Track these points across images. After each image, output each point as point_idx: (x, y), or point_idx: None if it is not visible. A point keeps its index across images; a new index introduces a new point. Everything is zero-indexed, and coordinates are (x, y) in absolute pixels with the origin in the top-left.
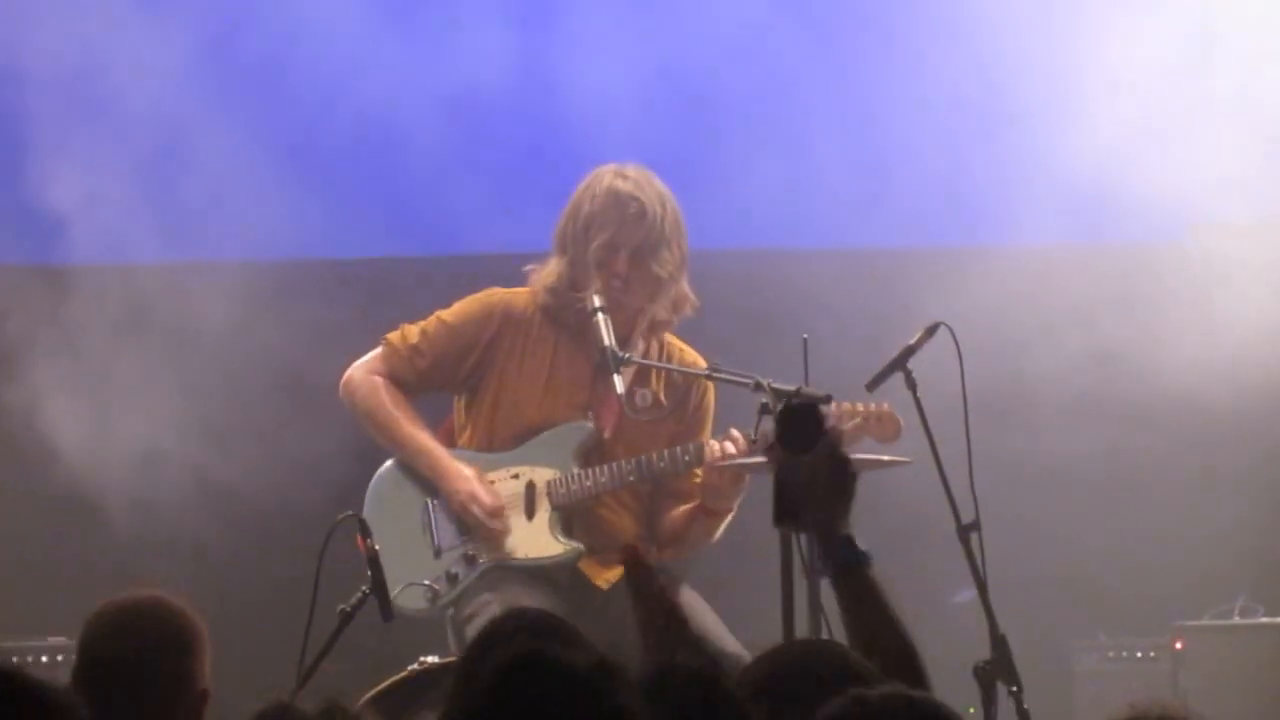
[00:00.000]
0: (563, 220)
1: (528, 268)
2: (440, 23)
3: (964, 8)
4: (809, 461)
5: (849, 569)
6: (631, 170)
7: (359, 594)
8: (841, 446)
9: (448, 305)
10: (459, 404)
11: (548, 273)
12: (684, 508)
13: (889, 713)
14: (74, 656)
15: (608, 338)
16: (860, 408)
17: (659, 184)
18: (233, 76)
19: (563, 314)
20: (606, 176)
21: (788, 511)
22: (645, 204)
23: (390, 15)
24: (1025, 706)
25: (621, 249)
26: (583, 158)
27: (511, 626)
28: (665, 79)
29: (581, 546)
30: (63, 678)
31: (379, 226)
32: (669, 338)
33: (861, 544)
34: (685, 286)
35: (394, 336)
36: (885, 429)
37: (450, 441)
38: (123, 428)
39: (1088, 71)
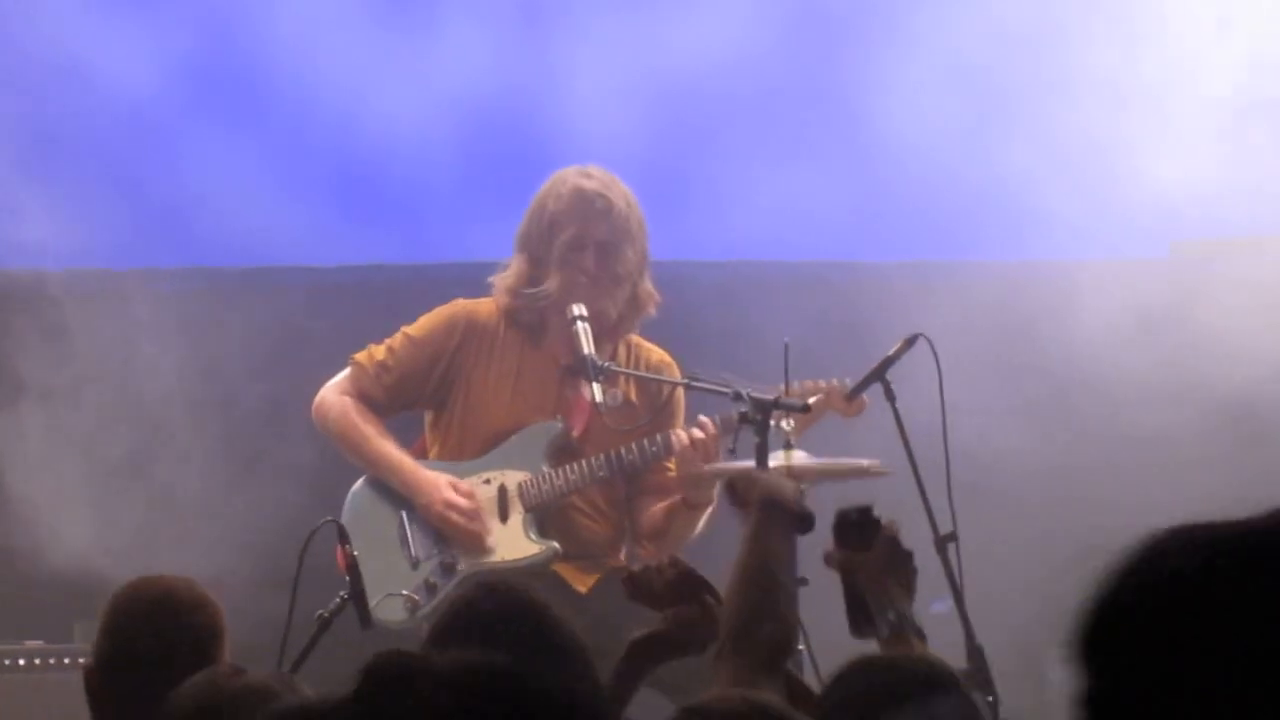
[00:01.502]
0: (525, 220)
1: (490, 279)
2: (429, 28)
3: (959, 21)
4: (869, 558)
5: (894, 634)
6: (595, 170)
7: (338, 599)
8: (899, 539)
9: (425, 314)
10: (428, 420)
11: (508, 274)
12: (663, 503)
13: None
14: (98, 643)
15: (588, 346)
16: (822, 384)
17: (623, 184)
18: (215, 82)
19: (522, 315)
20: (571, 176)
21: (862, 619)
22: (612, 200)
23: (378, 20)
24: (1003, 717)
25: (587, 245)
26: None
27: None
28: (656, 88)
29: (556, 545)
30: (39, 683)
31: (363, 235)
32: (634, 338)
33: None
34: (648, 285)
35: (361, 356)
36: (850, 404)
37: (424, 458)
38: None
39: (1076, 86)
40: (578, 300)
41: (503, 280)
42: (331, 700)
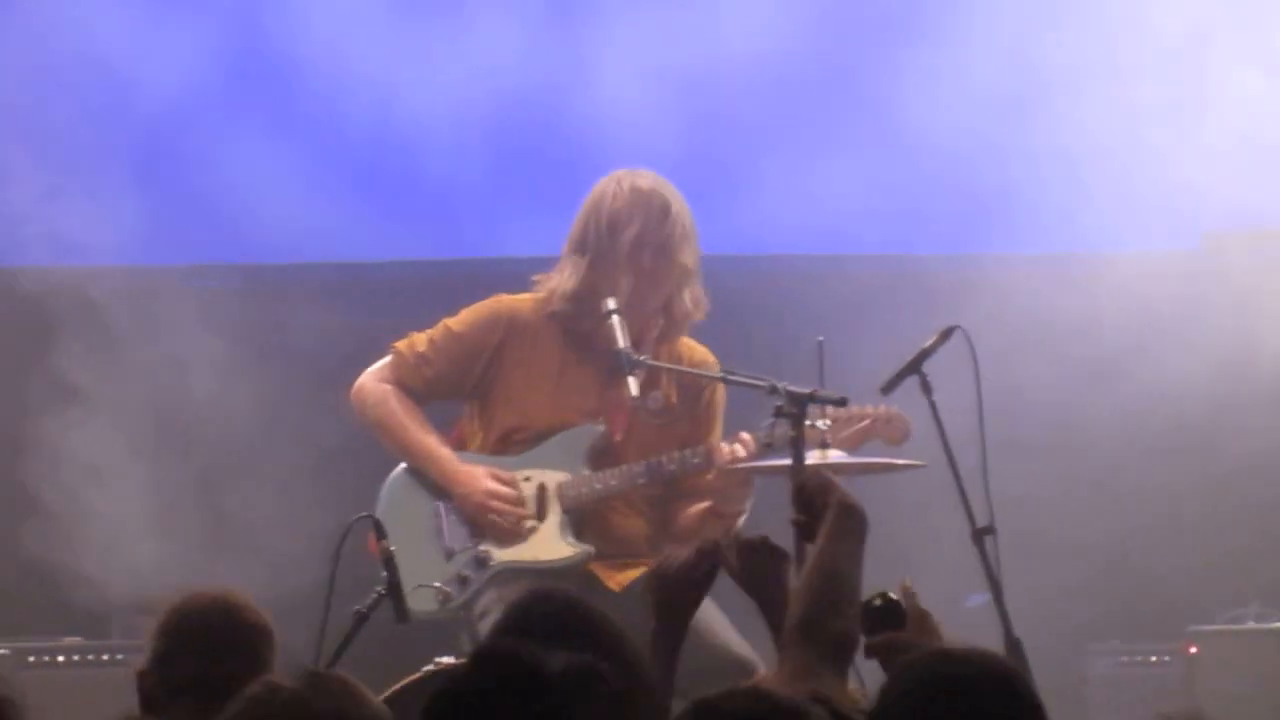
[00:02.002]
0: (582, 222)
1: (535, 278)
2: (460, 23)
3: (992, 13)
4: (905, 635)
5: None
6: (646, 173)
7: (374, 595)
8: (915, 601)
9: (464, 308)
10: (469, 411)
11: (566, 278)
12: (697, 508)
13: None
14: (153, 643)
15: (623, 340)
16: (869, 410)
17: (673, 187)
18: (248, 78)
19: (580, 322)
20: (626, 178)
21: None
22: (669, 200)
23: (410, 16)
24: None
25: (648, 244)
26: (600, 161)
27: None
28: (685, 83)
29: (591, 549)
30: (75, 679)
31: (394, 230)
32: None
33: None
34: (699, 289)
35: (402, 345)
36: (894, 430)
37: (461, 448)
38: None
39: (1104, 76)
40: (644, 302)
41: (561, 284)
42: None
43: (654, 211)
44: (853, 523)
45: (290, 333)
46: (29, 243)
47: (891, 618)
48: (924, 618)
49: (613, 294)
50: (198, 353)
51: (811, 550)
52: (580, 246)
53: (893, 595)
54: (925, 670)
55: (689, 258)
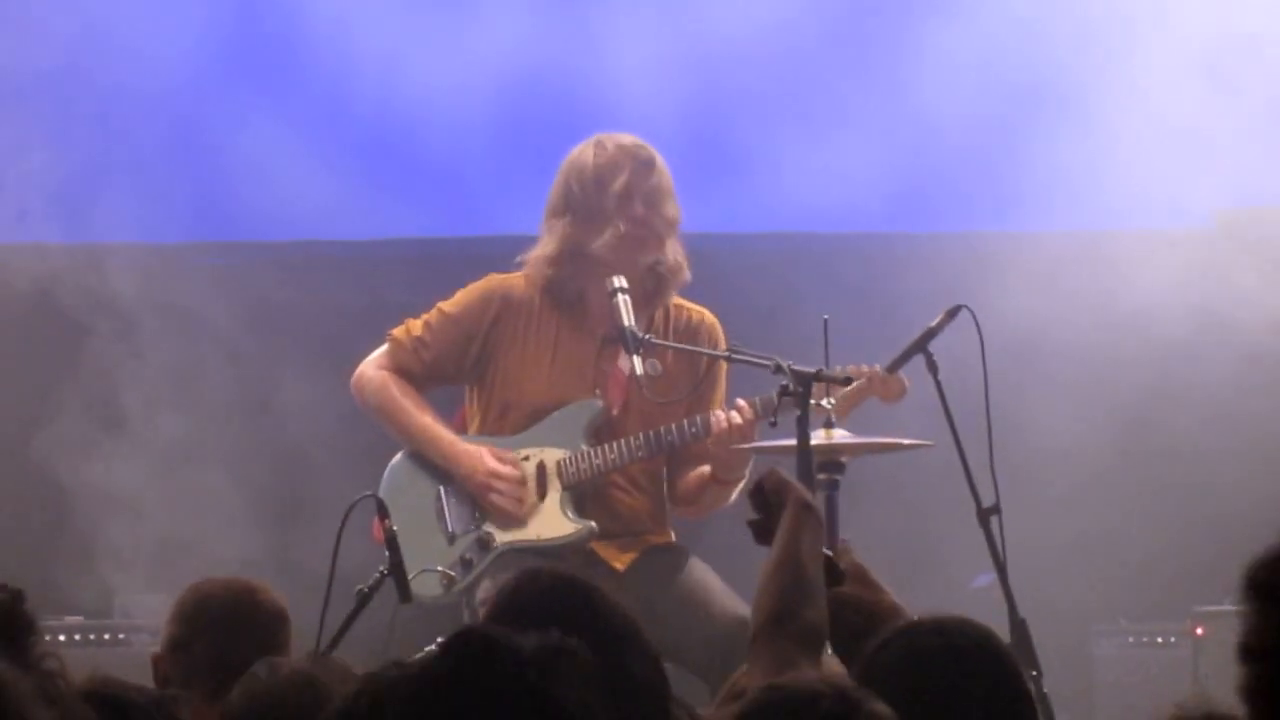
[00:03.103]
0: (562, 184)
1: (519, 259)
2: (463, 2)
3: None
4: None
5: None
6: (622, 134)
7: (377, 574)
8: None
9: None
10: (469, 394)
11: (546, 242)
12: (698, 472)
13: None
14: (168, 628)
15: (628, 318)
16: (864, 369)
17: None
18: (252, 56)
19: (565, 286)
20: (607, 139)
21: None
22: (654, 154)
23: None
24: (1045, 691)
25: (636, 194)
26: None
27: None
28: (693, 59)
29: (594, 525)
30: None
31: (400, 207)
32: (675, 298)
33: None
34: (680, 248)
35: (398, 331)
36: (890, 388)
37: (463, 432)
38: (143, 405)
39: (1119, 53)
40: (636, 253)
41: (541, 250)
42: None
43: (641, 162)
44: (811, 519)
45: (296, 310)
46: (31, 221)
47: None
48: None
49: (598, 244)
50: (201, 328)
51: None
52: (562, 208)
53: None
54: (909, 640)
55: (673, 210)
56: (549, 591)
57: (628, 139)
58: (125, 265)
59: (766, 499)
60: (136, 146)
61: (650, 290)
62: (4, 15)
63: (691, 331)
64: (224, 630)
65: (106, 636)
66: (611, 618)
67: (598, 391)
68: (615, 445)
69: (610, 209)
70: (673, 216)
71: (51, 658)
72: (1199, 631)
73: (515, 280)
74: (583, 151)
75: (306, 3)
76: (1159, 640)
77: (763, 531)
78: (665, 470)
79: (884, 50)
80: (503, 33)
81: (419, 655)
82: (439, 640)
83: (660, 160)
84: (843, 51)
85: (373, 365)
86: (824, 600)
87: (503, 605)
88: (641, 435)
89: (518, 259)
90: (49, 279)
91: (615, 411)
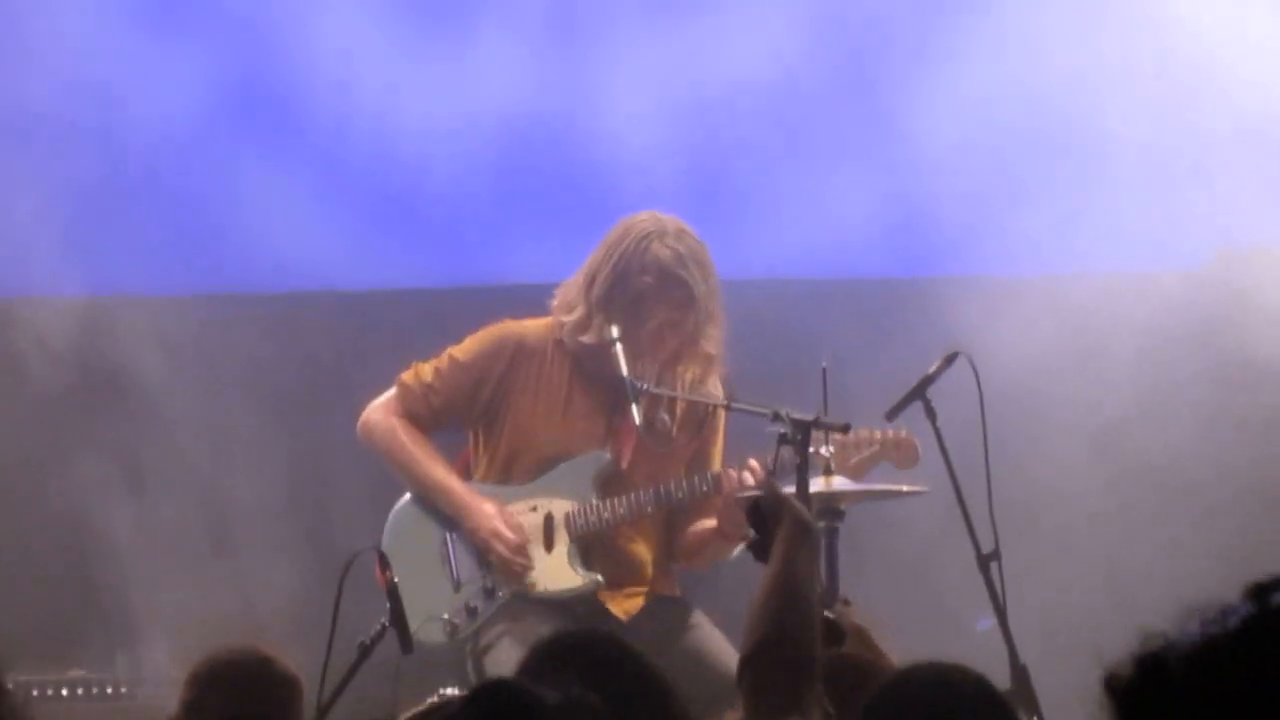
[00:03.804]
0: (608, 278)
1: (552, 302)
2: (465, 48)
3: (994, 35)
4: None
5: None
6: (678, 240)
7: (378, 626)
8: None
9: (469, 335)
10: (473, 438)
11: (581, 325)
12: (702, 525)
13: None
14: (183, 693)
15: (625, 367)
16: (878, 434)
17: (701, 251)
18: (251, 105)
19: (585, 362)
20: (653, 245)
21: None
22: (693, 287)
23: (414, 41)
24: None
25: (669, 333)
26: (608, 187)
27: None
28: (692, 105)
29: (600, 578)
30: (81, 712)
31: (400, 256)
32: None
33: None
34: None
35: (407, 376)
36: (903, 454)
37: (466, 474)
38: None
39: (1114, 93)
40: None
41: (575, 329)
42: None
43: (676, 301)
44: (808, 539)
45: (295, 361)
46: (29, 272)
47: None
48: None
49: (626, 367)
50: (200, 380)
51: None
52: (603, 303)
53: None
54: (907, 689)
55: (714, 336)
56: (581, 647)
57: (672, 257)
58: (118, 316)
59: (763, 516)
60: (134, 196)
61: (673, 354)
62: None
63: (696, 386)
64: (236, 695)
65: (110, 690)
66: (649, 677)
67: (607, 444)
68: (624, 499)
69: (643, 339)
70: (715, 341)
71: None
72: None
73: (529, 327)
74: (630, 253)
75: (305, 53)
76: None
77: (761, 549)
78: (666, 523)
79: (882, 97)
80: (502, 80)
81: (438, 702)
82: (465, 690)
83: (701, 285)
84: (841, 98)
85: (381, 410)
86: (814, 633)
87: (537, 657)
88: (650, 490)
89: (552, 298)
90: (52, 332)
91: (624, 465)
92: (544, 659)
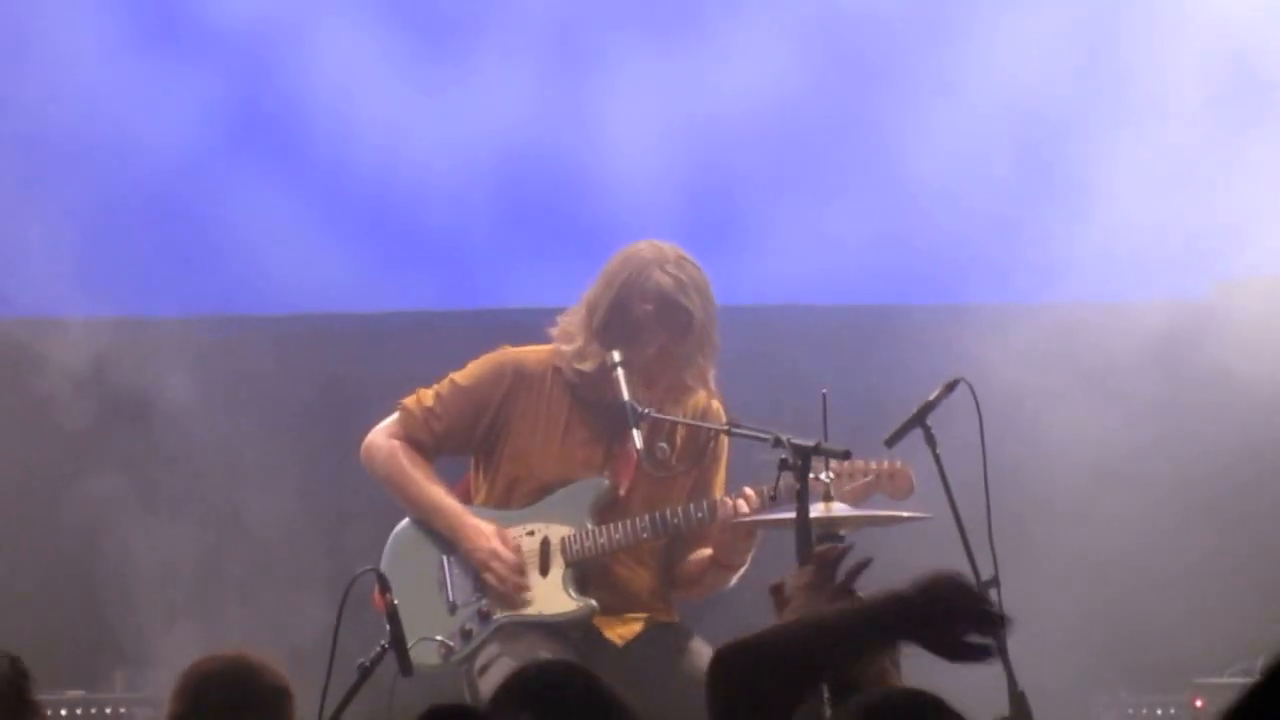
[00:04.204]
0: (606, 310)
1: (551, 328)
2: (465, 74)
3: (995, 63)
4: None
5: None
6: (679, 268)
7: (378, 648)
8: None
9: (470, 360)
10: (474, 463)
11: (580, 354)
12: (699, 555)
13: None
14: (170, 707)
15: (626, 392)
16: (873, 465)
17: (702, 280)
18: (253, 129)
19: (584, 390)
20: (654, 273)
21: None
22: (693, 314)
23: (414, 67)
24: None
25: (668, 361)
26: (607, 211)
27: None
28: (689, 134)
29: (595, 604)
30: None
31: (401, 280)
32: None
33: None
34: (711, 369)
35: (409, 401)
36: (898, 485)
37: (466, 500)
38: (141, 472)
39: (1113, 125)
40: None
41: (573, 357)
42: None
43: (677, 327)
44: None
45: (297, 385)
46: (29, 294)
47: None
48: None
49: (627, 392)
50: (200, 404)
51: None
52: (601, 332)
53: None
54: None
55: (703, 361)
56: (553, 677)
57: (673, 286)
58: (118, 339)
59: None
60: (136, 221)
61: (669, 387)
62: (2, 92)
63: (699, 414)
64: (224, 708)
65: (108, 710)
66: (613, 706)
67: (606, 471)
68: (620, 525)
69: (640, 366)
70: (702, 366)
71: None
72: (1198, 704)
73: (529, 354)
74: (630, 281)
75: (307, 80)
76: (1159, 712)
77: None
78: (668, 552)
79: (879, 125)
80: (503, 108)
81: None
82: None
83: (700, 313)
84: (837, 126)
85: (383, 434)
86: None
87: (506, 687)
88: (647, 517)
89: (551, 326)
90: (36, 349)
91: (622, 492)
92: (511, 692)
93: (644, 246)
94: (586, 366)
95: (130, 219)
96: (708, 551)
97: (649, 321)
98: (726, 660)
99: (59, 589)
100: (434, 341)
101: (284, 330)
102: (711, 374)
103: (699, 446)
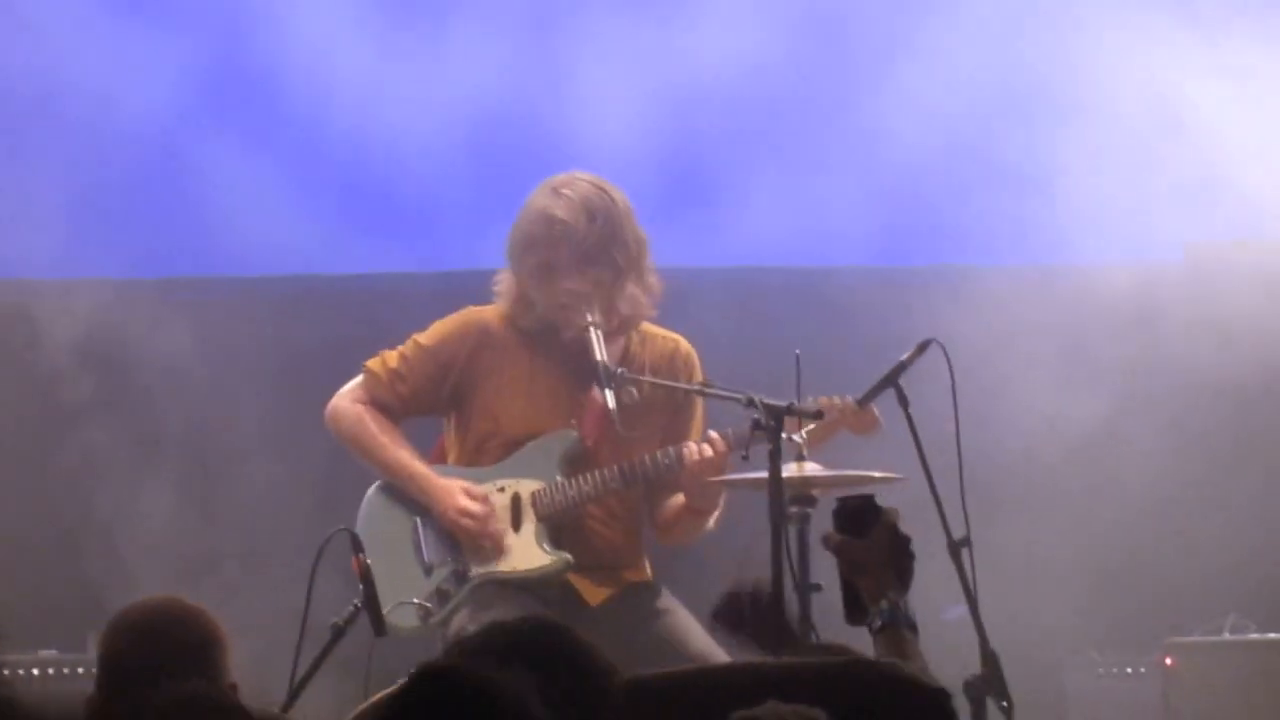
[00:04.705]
0: (509, 237)
1: (494, 281)
2: (440, 38)
3: (971, 28)
4: (866, 545)
5: (886, 626)
6: (569, 186)
7: (351, 608)
8: (899, 527)
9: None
10: (448, 424)
11: (504, 289)
12: (675, 501)
13: None
14: (94, 668)
15: (600, 353)
16: (837, 400)
17: (595, 197)
18: (227, 94)
19: (525, 325)
20: (544, 195)
21: (856, 608)
22: (570, 224)
23: (388, 31)
24: None
25: (556, 268)
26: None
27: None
28: (666, 96)
29: (569, 557)
30: (54, 690)
31: (374, 243)
32: (646, 327)
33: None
34: (641, 288)
35: (374, 364)
36: (862, 421)
37: (442, 461)
38: (123, 432)
39: (1090, 88)
40: (567, 317)
41: (502, 293)
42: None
43: (554, 238)
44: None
45: (270, 346)
46: (7, 257)
47: (862, 521)
48: (893, 536)
49: (538, 306)
50: (178, 365)
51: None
52: (509, 262)
53: (876, 502)
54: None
55: (607, 272)
56: (523, 629)
57: (557, 202)
58: (95, 300)
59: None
60: (110, 183)
61: (615, 328)
62: None
63: (667, 359)
64: (151, 649)
65: (80, 670)
66: (581, 656)
67: (573, 422)
68: (589, 477)
69: (531, 284)
70: (608, 275)
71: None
72: (1169, 662)
73: (491, 312)
74: (525, 208)
75: (282, 43)
76: (1129, 671)
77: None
78: (646, 498)
79: (855, 90)
80: (478, 71)
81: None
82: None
83: (581, 223)
84: (815, 89)
85: (347, 398)
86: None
87: (481, 640)
88: (615, 467)
89: (494, 284)
90: (16, 312)
91: (590, 443)
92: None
93: (549, 179)
94: (509, 299)
95: (105, 182)
96: (682, 498)
97: (530, 235)
98: (634, 695)
99: (41, 550)
100: (407, 304)
101: (256, 292)
102: (631, 296)
103: (673, 397)
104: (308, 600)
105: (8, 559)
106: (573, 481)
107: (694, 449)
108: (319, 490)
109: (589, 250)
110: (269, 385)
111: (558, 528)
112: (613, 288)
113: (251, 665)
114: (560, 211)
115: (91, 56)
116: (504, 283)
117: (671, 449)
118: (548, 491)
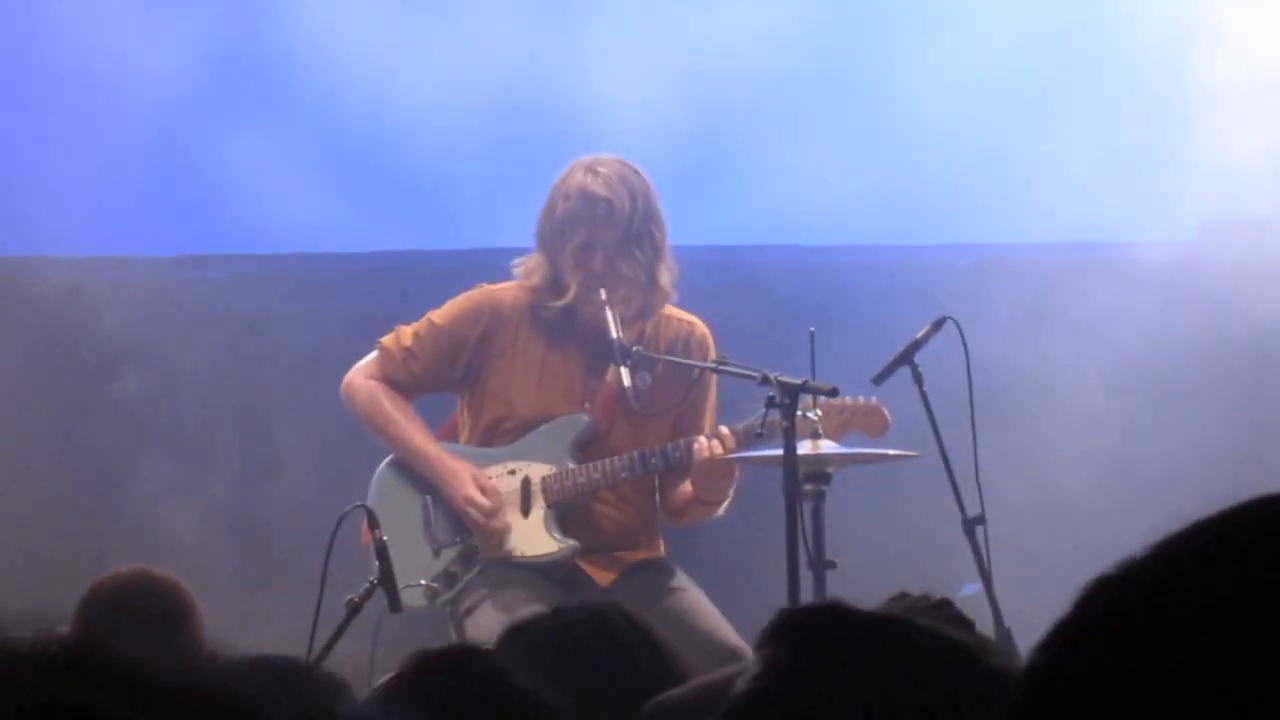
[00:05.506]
0: (541, 218)
1: (514, 263)
2: (456, 13)
3: (988, 3)
4: None
5: None
6: (604, 165)
7: (367, 584)
8: None
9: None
10: (460, 402)
11: (530, 270)
12: (685, 489)
13: None
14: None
15: (616, 330)
16: (848, 402)
17: (631, 177)
18: (244, 70)
19: (543, 312)
20: (578, 175)
21: None
22: (614, 203)
23: (405, 6)
24: None
25: (596, 249)
26: (595, 151)
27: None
28: (679, 73)
29: (577, 544)
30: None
31: (390, 220)
32: (663, 309)
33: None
34: (666, 275)
35: (388, 340)
36: (872, 423)
37: (454, 439)
38: (135, 415)
39: (1100, 68)
40: (595, 300)
41: (526, 277)
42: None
43: (599, 217)
44: None
45: (285, 324)
46: (19, 234)
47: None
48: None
49: (569, 288)
50: (190, 343)
51: None
52: (540, 244)
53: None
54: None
55: (641, 256)
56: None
57: (597, 181)
58: (108, 278)
59: None
60: (127, 160)
61: (637, 310)
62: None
63: (682, 341)
64: (124, 619)
65: None
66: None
67: (586, 406)
68: (599, 465)
69: (568, 264)
70: (641, 260)
71: None
72: None
73: (505, 292)
74: (559, 188)
75: (297, 20)
76: None
77: None
78: (657, 481)
79: (872, 66)
80: (493, 48)
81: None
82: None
83: (624, 204)
84: (827, 65)
85: (362, 374)
86: None
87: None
88: (625, 457)
89: (513, 265)
90: (29, 289)
91: (602, 427)
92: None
93: (578, 160)
94: (534, 280)
95: (122, 159)
96: (690, 487)
97: (572, 214)
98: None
99: (41, 523)
100: (423, 282)
101: (273, 270)
102: (665, 276)
103: (684, 377)
104: (324, 575)
105: (6, 537)
106: (583, 469)
107: (704, 444)
108: (323, 468)
109: (635, 229)
110: (276, 363)
111: (566, 512)
112: (654, 267)
113: (267, 642)
114: (601, 189)
115: (108, 33)
116: (530, 264)
117: (683, 441)
118: (558, 477)
